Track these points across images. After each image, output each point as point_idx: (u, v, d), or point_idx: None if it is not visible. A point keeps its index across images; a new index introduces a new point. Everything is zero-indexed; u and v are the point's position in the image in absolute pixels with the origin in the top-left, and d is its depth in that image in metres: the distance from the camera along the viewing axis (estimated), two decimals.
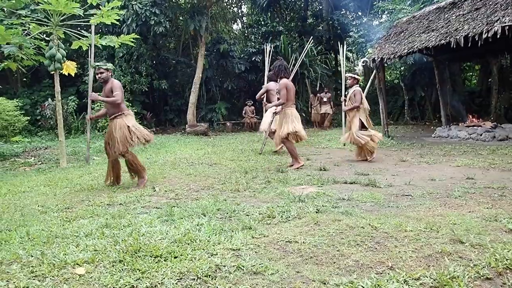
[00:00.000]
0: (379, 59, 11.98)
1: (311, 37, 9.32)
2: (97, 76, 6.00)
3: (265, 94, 9.56)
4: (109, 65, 6.02)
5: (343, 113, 8.11)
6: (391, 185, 5.45)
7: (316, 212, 4.08)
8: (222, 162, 8.14)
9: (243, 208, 4.36)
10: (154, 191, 5.61)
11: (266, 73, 10.87)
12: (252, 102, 18.64)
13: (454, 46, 9.70)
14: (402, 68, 19.55)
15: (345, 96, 8.19)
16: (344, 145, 8.26)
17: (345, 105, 8.11)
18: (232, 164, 7.82)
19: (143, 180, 6.01)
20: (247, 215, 4.08)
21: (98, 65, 6.00)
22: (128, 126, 5.78)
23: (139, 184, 5.97)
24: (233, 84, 20.51)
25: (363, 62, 8.34)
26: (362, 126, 7.84)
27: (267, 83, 9.83)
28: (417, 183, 5.49)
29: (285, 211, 4.10)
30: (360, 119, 7.83)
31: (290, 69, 7.97)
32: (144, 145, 6.08)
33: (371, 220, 3.65)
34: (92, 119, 6.30)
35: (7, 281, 2.73)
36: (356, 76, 8.02)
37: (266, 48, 11.63)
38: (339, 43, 9.23)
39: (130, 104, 17.30)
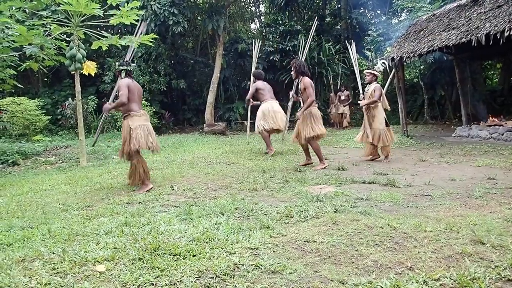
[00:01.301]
0: (398, 57, 11.86)
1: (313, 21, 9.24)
2: None
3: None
4: (119, 65, 5.93)
5: (364, 112, 7.93)
6: (411, 185, 5.40)
7: (334, 211, 4.06)
8: (240, 162, 8.16)
9: (261, 207, 4.37)
10: (173, 190, 5.66)
11: (253, 68, 10.62)
12: None
13: (475, 44, 9.55)
14: (421, 67, 19.30)
15: (363, 94, 8.00)
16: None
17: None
18: (250, 164, 7.84)
19: (145, 186, 5.72)
20: (265, 214, 4.09)
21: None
22: (131, 128, 5.61)
23: (139, 190, 5.68)
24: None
25: (382, 64, 8.15)
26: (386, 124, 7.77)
27: (253, 81, 9.62)
28: (437, 183, 5.43)
29: (303, 211, 4.09)
30: (384, 116, 7.77)
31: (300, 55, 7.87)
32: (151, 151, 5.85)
33: (390, 220, 3.62)
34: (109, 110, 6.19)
35: (29, 277, 2.79)
36: (375, 73, 7.92)
37: (254, 45, 11.48)
38: (352, 41, 9.07)
39: (149, 104, 17.45)
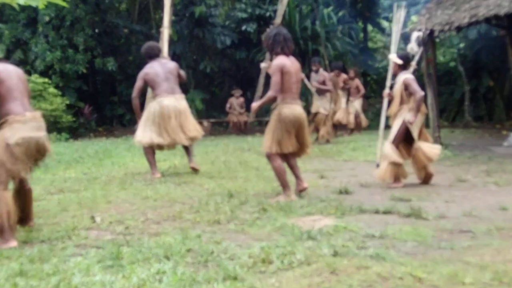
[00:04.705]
0: (427, 32, 12.01)
1: None
2: None
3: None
4: None
5: (383, 116, 7.76)
6: (444, 216, 5.46)
7: (333, 255, 4.07)
8: (196, 180, 8.16)
9: (226, 248, 4.36)
10: (94, 222, 5.59)
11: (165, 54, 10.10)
12: (241, 92, 18.65)
13: None
14: (461, 46, 19.63)
15: (390, 89, 7.85)
16: (378, 166, 7.77)
17: (389, 102, 7.81)
18: (210, 183, 7.83)
19: (3, 242, 4.97)
20: (232, 259, 4.07)
21: None
22: (8, 144, 5.04)
23: None
24: (214, 64, 20.52)
25: (418, 38, 8.01)
26: (405, 139, 7.62)
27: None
28: (482, 214, 5.51)
29: (288, 254, 4.09)
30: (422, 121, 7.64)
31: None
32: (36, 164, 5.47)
33: (413, 268, 3.64)
34: None
35: None
36: (398, 61, 7.83)
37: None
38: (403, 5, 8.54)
39: (60, 93, 17.24)
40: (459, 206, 5.98)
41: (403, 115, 7.53)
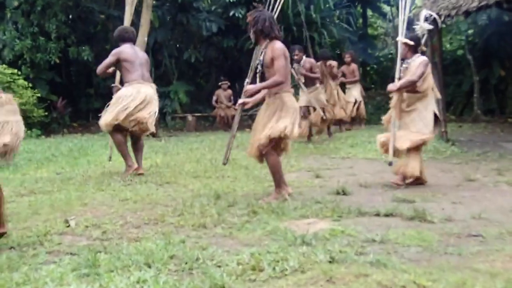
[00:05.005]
0: (432, 17, 12.02)
1: None
2: None
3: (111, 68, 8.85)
4: None
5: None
6: (450, 219, 5.47)
7: (330, 262, 4.07)
8: (180, 180, 8.16)
9: (212, 254, 4.35)
10: (68, 226, 5.57)
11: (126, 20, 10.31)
12: (228, 84, 18.61)
13: None
14: (469, 32, 19.65)
15: (399, 76, 7.67)
16: (390, 164, 7.62)
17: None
18: (195, 184, 7.84)
19: None
20: (219, 266, 4.07)
21: None
22: None
23: None
24: (199, 53, 20.46)
25: (427, 16, 7.90)
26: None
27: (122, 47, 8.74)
28: (492, 216, 5.53)
29: (280, 260, 4.08)
30: (434, 112, 7.53)
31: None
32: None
33: (417, 276, 3.65)
34: None
35: None
36: (409, 42, 7.72)
37: None
38: None
39: (30, 85, 17.16)
40: (467, 208, 6.00)
41: (429, 107, 7.49)
